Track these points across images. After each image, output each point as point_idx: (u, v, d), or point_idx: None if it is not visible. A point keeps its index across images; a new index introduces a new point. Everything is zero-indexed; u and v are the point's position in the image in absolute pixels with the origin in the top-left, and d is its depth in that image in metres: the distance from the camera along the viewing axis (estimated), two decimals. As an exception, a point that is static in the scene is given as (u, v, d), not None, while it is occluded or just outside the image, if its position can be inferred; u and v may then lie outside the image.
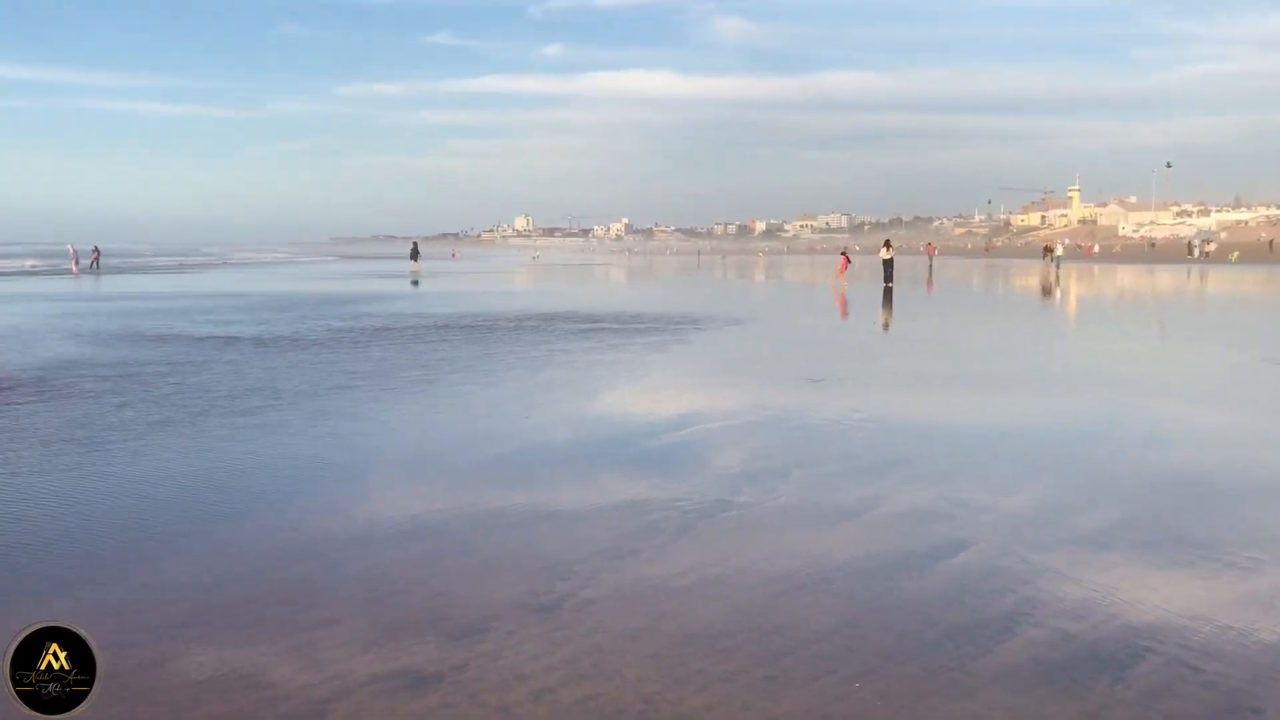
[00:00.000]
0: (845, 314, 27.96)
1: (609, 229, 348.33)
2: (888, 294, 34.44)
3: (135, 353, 15.95)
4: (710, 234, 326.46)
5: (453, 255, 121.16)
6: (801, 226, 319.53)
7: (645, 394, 12.47)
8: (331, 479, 8.21)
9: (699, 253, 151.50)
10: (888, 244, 40.38)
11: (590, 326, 21.12)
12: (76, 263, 56.46)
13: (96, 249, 59.40)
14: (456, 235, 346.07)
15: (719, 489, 7.57)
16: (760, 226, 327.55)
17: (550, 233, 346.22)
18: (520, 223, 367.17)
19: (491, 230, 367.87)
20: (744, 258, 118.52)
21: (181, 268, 68.02)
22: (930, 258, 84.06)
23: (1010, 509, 7.13)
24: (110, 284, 43.39)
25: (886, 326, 23.91)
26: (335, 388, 12.53)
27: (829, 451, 9.01)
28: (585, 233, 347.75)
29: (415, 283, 44.95)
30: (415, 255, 60.95)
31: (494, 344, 17.58)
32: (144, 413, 10.66)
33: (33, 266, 63.36)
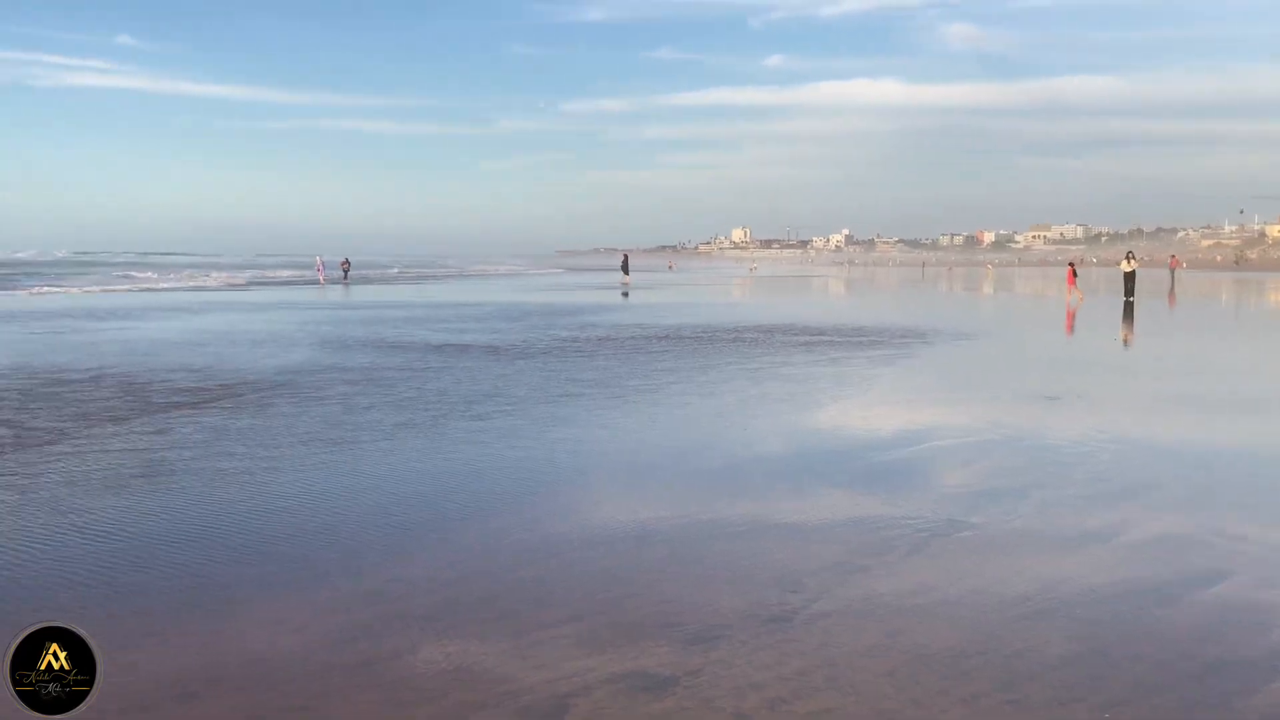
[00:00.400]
0: (1079, 329, 26.63)
1: (828, 240, 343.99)
2: (1128, 309, 32.58)
3: (379, 358, 16.94)
4: (935, 245, 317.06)
5: (669, 267, 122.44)
6: (1033, 237, 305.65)
7: (871, 408, 12.26)
8: (563, 483, 8.47)
9: (923, 264, 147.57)
10: (1129, 256, 38.20)
11: (811, 339, 20.95)
12: (323, 273, 60.39)
13: (346, 261, 63.30)
14: (674, 247, 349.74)
15: (952, 508, 7.36)
16: (989, 238, 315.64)
17: (768, 244, 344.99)
18: (737, 234, 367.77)
19: (708, 242, 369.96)
20: (971, 269, 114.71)
21: (420, 279, 71.72)
22: (1173, 270, 79.05)
23: (1275, 540, 6.62)
24: (357, 294, 46.25)
25: (1127, 343, 22.61)
26: (563, 395, 12.92)
27: (1071, 473, 8.60)
28: (804, 244, 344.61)
29: (625, 294, 45.72)
30: (626, 268, 62.51)
31: (714, 355, 17.69)
32: (389, 414, 11.31)
33: (288, 277, 68.38)
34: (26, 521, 6.91)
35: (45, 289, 46.72)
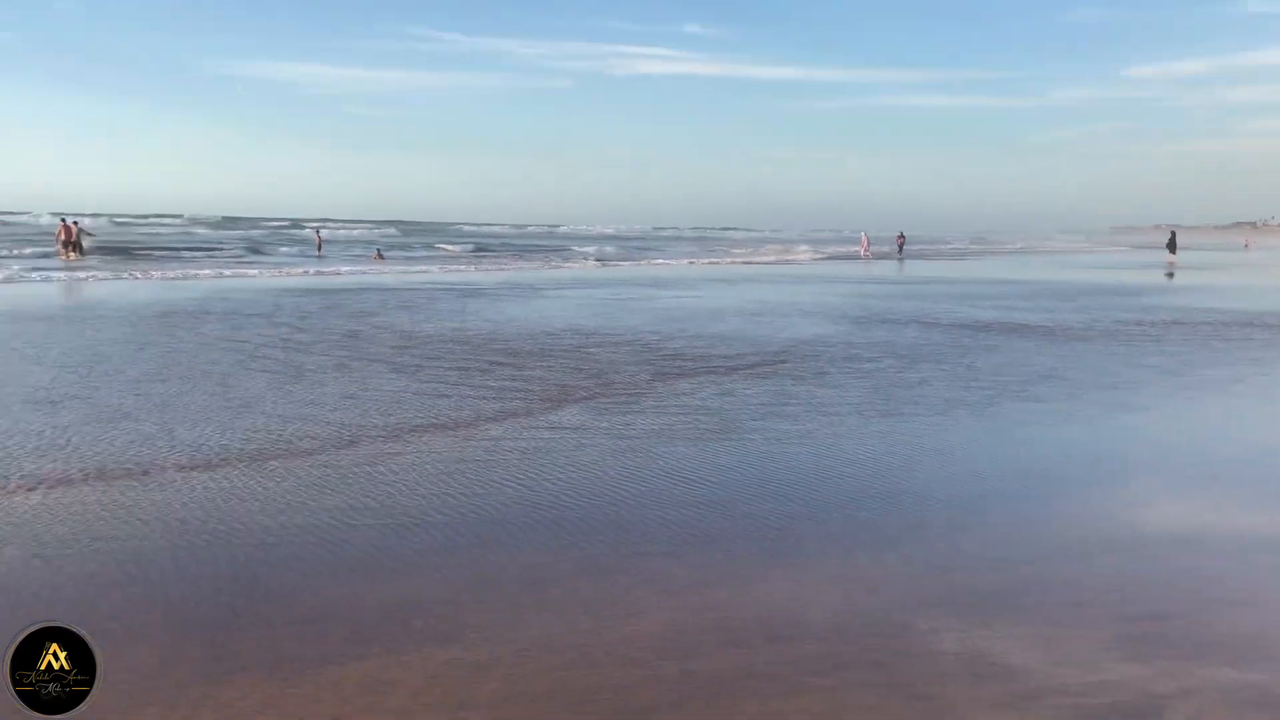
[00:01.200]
0: None
1: None
2: None
3: (927, 334, 16.91)
4: None
5: (1245, 245, 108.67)
6: None
7: None
8: (1135, 475, 7.91)
9: None
10: None
11: None
12: (868, 248, 61.52)
13: (901, 235, 64.22)
14: (1253, 224, 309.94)
15: None
16: None
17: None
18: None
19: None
20: None
21: (964, 254, 70.39)
22: None
23: None
24: (905, 268, 46.49)
25: None
26: (1128, 381, 12.06)
27: None
28: None
29: (1170, 275, 41.15)
30: (1172, 247, 57.59)
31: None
32: (940, 390, 11.26)
33: (845, 252, 70.52)
34: (627, 463, 7.82)
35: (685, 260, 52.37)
